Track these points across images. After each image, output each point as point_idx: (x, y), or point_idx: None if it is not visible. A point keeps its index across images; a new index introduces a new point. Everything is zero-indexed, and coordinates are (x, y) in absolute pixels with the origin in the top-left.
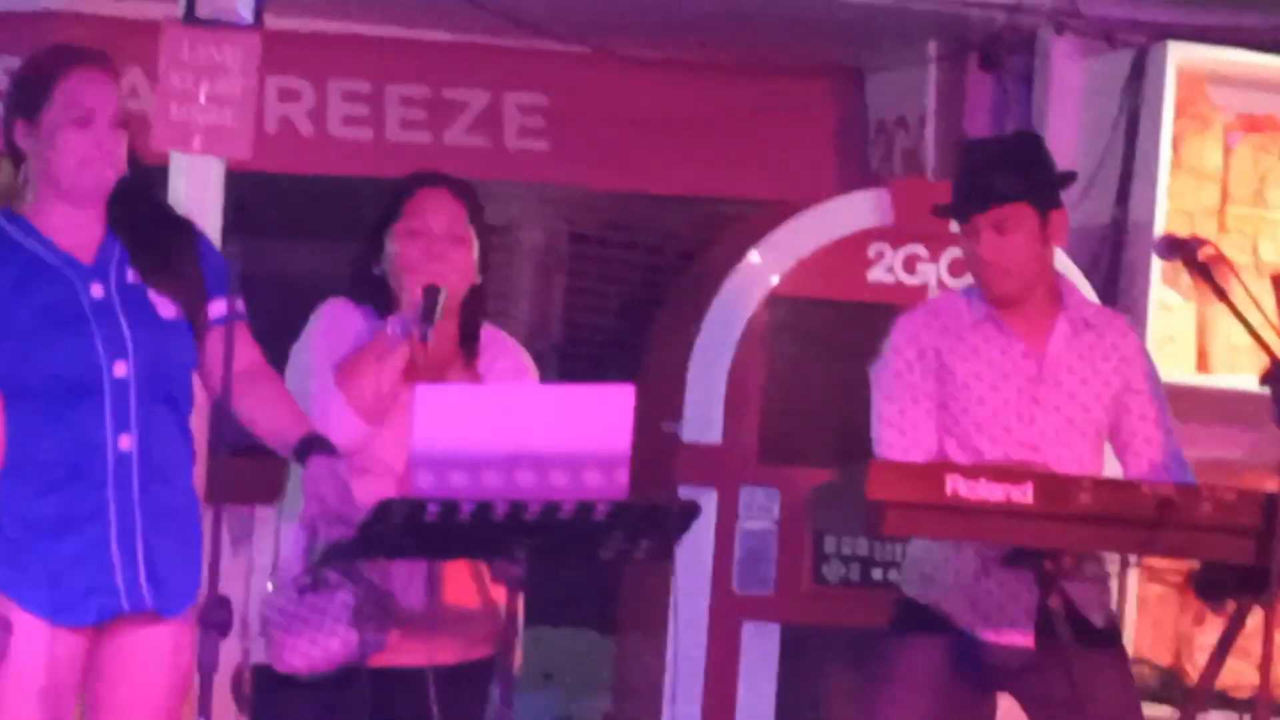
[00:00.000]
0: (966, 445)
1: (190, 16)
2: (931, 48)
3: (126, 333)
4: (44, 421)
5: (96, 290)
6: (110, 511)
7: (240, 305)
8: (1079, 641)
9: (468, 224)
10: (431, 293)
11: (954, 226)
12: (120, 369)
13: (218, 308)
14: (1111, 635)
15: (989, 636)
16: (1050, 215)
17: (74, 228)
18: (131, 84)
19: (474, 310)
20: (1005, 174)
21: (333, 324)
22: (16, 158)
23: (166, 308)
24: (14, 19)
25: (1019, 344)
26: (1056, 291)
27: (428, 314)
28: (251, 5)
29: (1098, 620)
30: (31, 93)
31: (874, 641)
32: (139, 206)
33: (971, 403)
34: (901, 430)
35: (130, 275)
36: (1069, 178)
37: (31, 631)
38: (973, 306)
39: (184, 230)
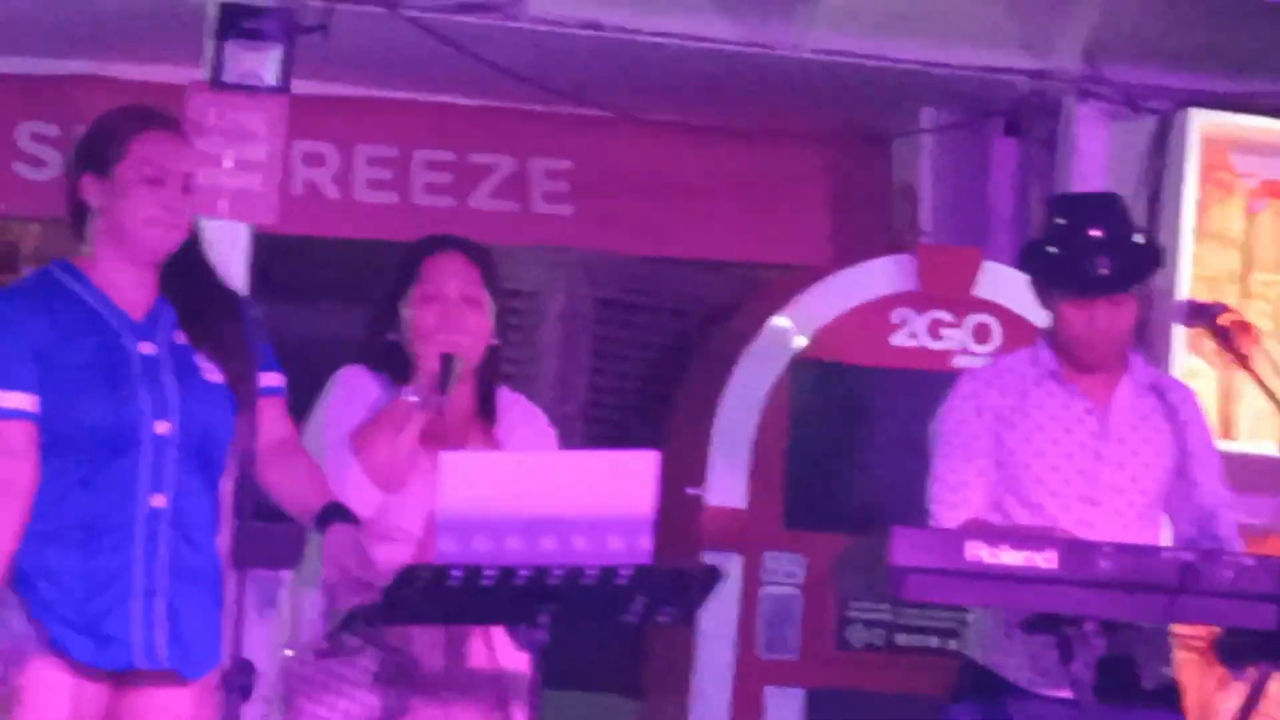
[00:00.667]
0: (1027, 501)
1: (217, 81)
2: (926, 115)
3: (172, 392)
4: (80, 473)
5: (146, 347)
6: (136, 568)
7: (282, 381)
8: (1128, 702)
9: (483, 287)
10: (448, 361)
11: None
12: (162, 427)
13: (265, 380)
14: (1163, 695)
15: (1047, 692)
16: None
17: (128, 284)
18: None
19: (490, 373)
20: (1116, 260)
21: (348, 392)
22: (78, 213)
23: (213, 373)
24: (41, 82)
25: (1082, 400)
26: (1124, 353)
27: (443, 383)
28: (278, 69)
29: (1148, 681)
30: (105, 148)
31: (937, 708)
32: (193, 273)
33: (1032, 457)
34: (951, 487)
35: (179, 337)
36: (1161, 256)
37: (55, 677)
38: (1037, 363)
39: (234, 302)
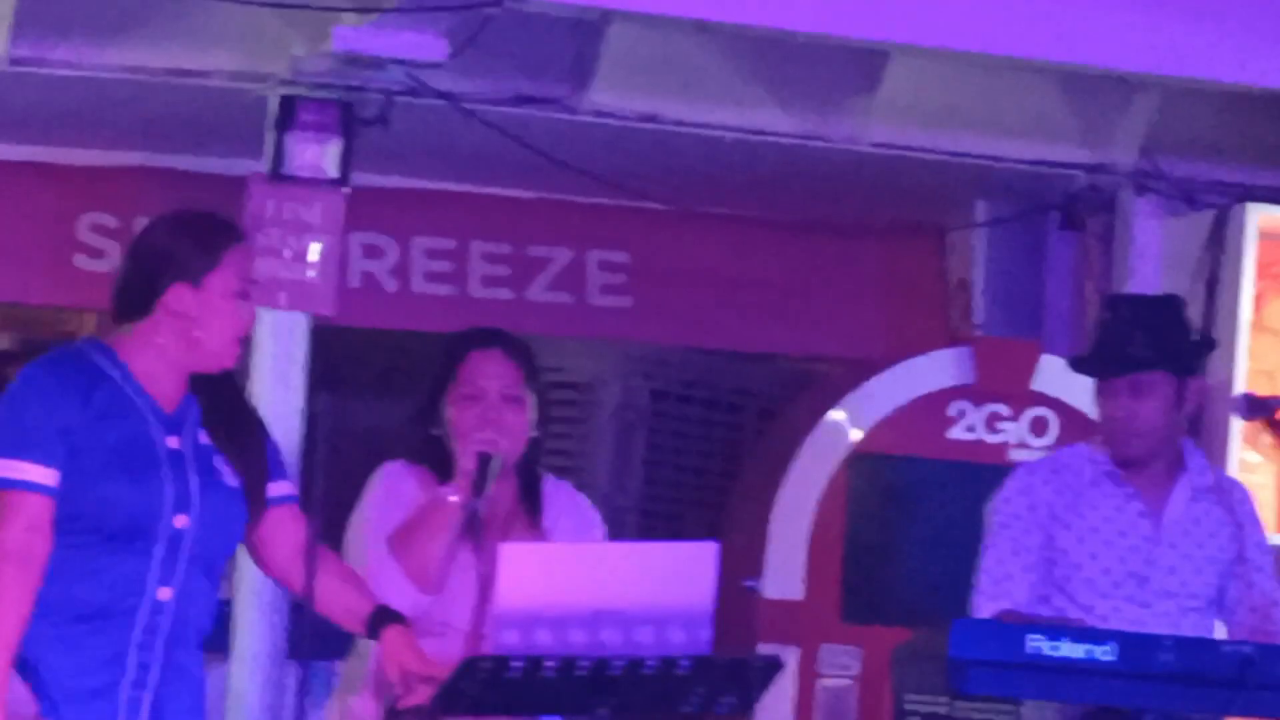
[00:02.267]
0: (1076, 600)
1: (276, 173)
2: (981, 208)
3: (194, 488)
4: (89, 555)
5: (173, 441)
6: (130, 658)
7: (295, 492)
8: None
9: (523, 384)
10: (484, 461)
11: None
12: (180, 521)
13: (278, 488)
14: None
15: None
16: (1187, 382)
17: (163, 376)
18: None
19: (532, 464)
20: (1146, 341)
21: (389, 491)
22: (136, 314)
23: (230, 476)
24: (101, 174)
25: (1137, 503)
26: (1180, 453)
27: (480, 483)
28: (337, 162)
29: None
30: (199, 258)
31: None
32: (222, 379)
33: (1084, 557)
34: (995, 579)
35: (202, 436)
36: (1209, 345)
37: None
38: (1095, 462)
39: (254, 416)
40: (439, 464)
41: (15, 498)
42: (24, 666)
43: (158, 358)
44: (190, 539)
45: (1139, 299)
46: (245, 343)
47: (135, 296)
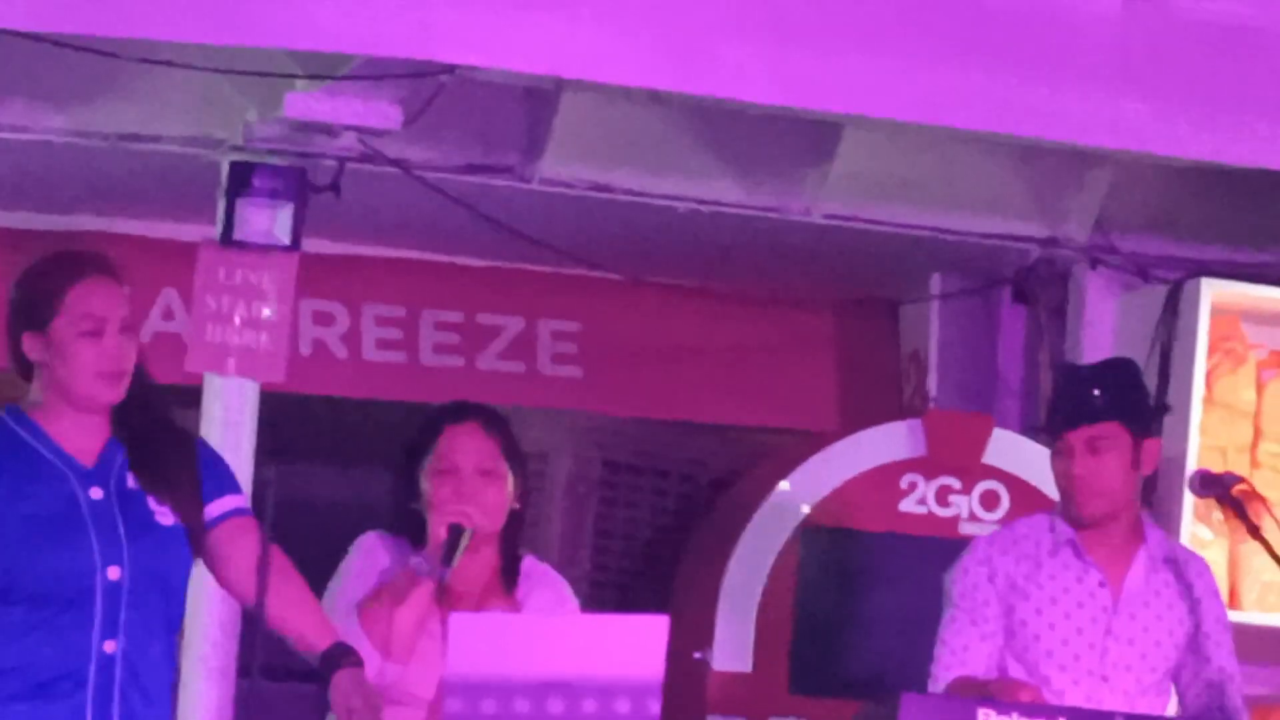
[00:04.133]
0: (1035, 672)
1: (227, 238)
2: (935, 281)
3: (123, 537)
4: (30, 625)
5: (95, 493)
6: (88, 716)
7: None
8: None
9: (500, 458)
10: (455, 532)
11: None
12: (114, 573)
13: (221, 505)
14: None
15: None
16: (1143, 443)
17: (79, 432)
18: (167, 305)
19: (513, 539)
20: (1102, 393)
21: (363, 561)
22: (23, 368)
23: (165, 515)
24: (48, 238)
25: (1096, 573)
26: (1139, 524)
27: (448, 555)
28: (289, 228)
29: None
30: (39, 305)
31: None
32: (141, 415)
33: (1043, 628)
34: (952, 650)
35: (130, 481)
36: (1164, 409)
37: None
38: (1055, 531)
39: (183, 440)
40: (416, 535)
41: None
42: None
43: (61, 413)
44: (127, 589)
45: (1095, 363)
46: (140, 374)
47: (8, 353)
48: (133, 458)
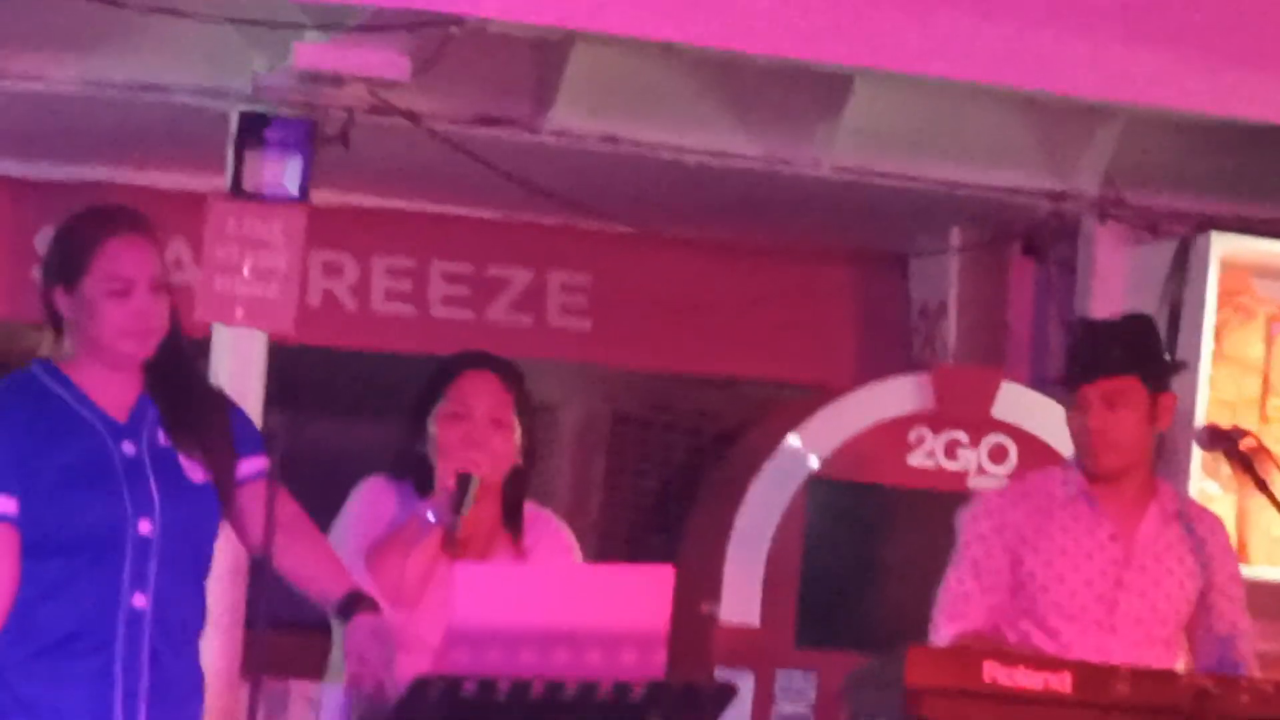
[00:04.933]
0: (1043, 624)
1: (237, 189)
2: (955, 235)
3: (154, 492)
4: (61, 578)
5: (128, 448)
6: (116, 669)
7: (271, 466)
8: None
9: (511, 410)
10: (464, 481)
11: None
12: (144, 527)
13: (249, 465)
14: None
15: None
16: (1159, 397)
17: (110, 386)
18: (176, 255)
19: (517, 490)
20: (1120, 348)
21: (367, 505)
22: (56, 321)
23: (196, 472)
24: (60, 188)
25: (1108, 525)
26: (1152, 479)
27: (458, 502)
28: (298, 179)
29: None
30: (69, 262)
31: None
32: (174, 372)
33: (1052, 580)
34: (954, 599)
35: (161, 437)
36: (1179, 366)
37: None
38: (1067, 483)
39: (215, 399)
40: (421, 480)
41: None
42: (15, 702)
43: (92, 368)
44: (158, 543)
45: (1111, 318)
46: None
47: (42, 307)
48: (165, 415)
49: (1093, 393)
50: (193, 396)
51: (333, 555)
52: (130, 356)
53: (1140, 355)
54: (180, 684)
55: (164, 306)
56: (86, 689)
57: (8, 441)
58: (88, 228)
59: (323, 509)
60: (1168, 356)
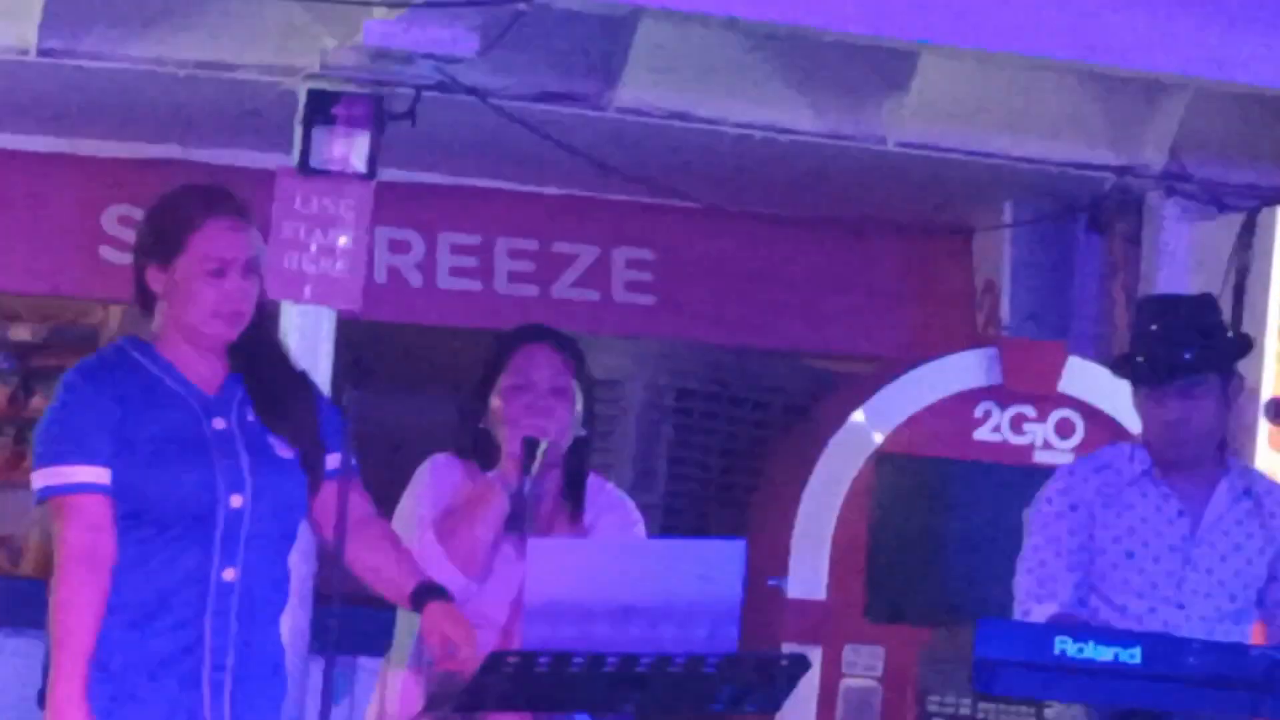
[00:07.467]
0: (1111, 601)
1: (304, 166)
2: (1010, 209)
3: (245, 467)
4: (148, 549)
5: (218, 423)
6: (205, 644)
7: (352, 462)
8: None
9: (571, 378)
10: (530, 445)
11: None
12: (236, 501)
13: (332, 460)
14: None
15: None
16: (1230, 379)
17: (199, 362)
18: None
19: (579, 463)
20: (1196, 345)
21: (436, 480)
22: (146, 299)
23: (284, 449)
24: (129, 166)
25: (1175, 502)
26: (1223, 456)
27: (526, 466)
28: (365, 156)
29: None
30: (165, 240)
31: None
32: (260, 355)
33: (1120, 557)
34: (1039, 580)
35: (250, 414)
36: (1248, 346)
37: None
38: (1135, 461)
39: (303, 383)
40: (485, 457)
41: (72, 501)
42: (104, 672)
43: (181, 346)
44: (248, 518)
45: (1178, 301)
46: (269, 318)
47: (134, 284)
48: (254, 394)
49: (1170, 388)
50: (281, 378)
51: (403, 549)
52: (217, 338)
53: (1212, 351)
54: (264, 660)
55: (254, 290)
56: (175, 662)
57: (100, 414)
58: (186, 207)
59: (389, 483)
60: (1232, 334)
